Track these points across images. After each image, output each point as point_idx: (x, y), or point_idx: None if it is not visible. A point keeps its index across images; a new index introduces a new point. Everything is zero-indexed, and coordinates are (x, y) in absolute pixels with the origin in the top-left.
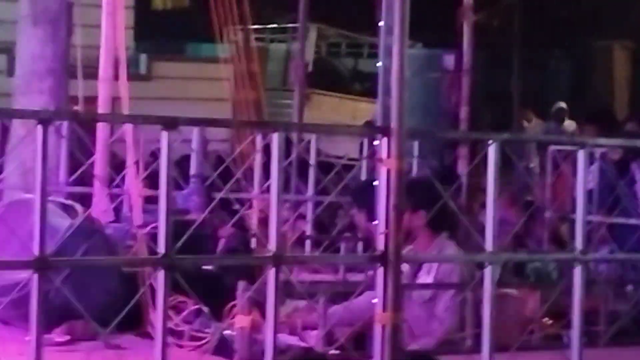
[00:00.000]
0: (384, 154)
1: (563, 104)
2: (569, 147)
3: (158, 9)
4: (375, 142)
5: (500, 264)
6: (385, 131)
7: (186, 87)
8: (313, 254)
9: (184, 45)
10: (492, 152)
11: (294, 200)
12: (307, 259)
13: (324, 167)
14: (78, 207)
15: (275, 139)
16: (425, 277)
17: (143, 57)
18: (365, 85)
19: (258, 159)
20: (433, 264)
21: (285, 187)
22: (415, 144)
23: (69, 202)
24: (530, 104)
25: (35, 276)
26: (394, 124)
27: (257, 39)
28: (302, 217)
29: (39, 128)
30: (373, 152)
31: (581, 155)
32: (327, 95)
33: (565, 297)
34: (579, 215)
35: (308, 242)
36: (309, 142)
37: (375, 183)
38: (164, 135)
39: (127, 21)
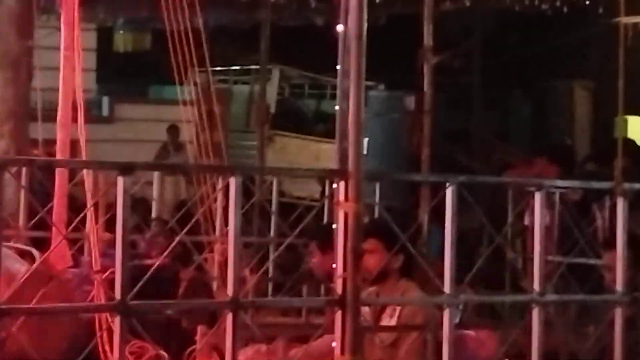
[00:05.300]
0: (342, 197)
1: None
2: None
3: (120, 51)
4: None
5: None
6: (342, 174)
7: (148, 130)
8: (273, 298)
9: (146, 87)
10: (449, 194)
11: (256, 243)
12: (265, 303)
13: (288, 208)
14: (35, 252)
15: (233, 182)
16: (388, 320)
17: (105, 100)
18: (328, 127)
19: (219, 202)
20: (397, 307)
21: (247, 229)
22: (377, 186)
23: (27, 247)
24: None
25: None
26: (351, 167)
27: (220, 80)
28: (265, 259)
29: None
30: (333, 194)
31: (538, 197)
32: (290, 137)
33: (524, 337)
34: (537, 256)
35: (270, 285)
36: (271, 183)
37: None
38: (120, 181)
39: (89, 63)
